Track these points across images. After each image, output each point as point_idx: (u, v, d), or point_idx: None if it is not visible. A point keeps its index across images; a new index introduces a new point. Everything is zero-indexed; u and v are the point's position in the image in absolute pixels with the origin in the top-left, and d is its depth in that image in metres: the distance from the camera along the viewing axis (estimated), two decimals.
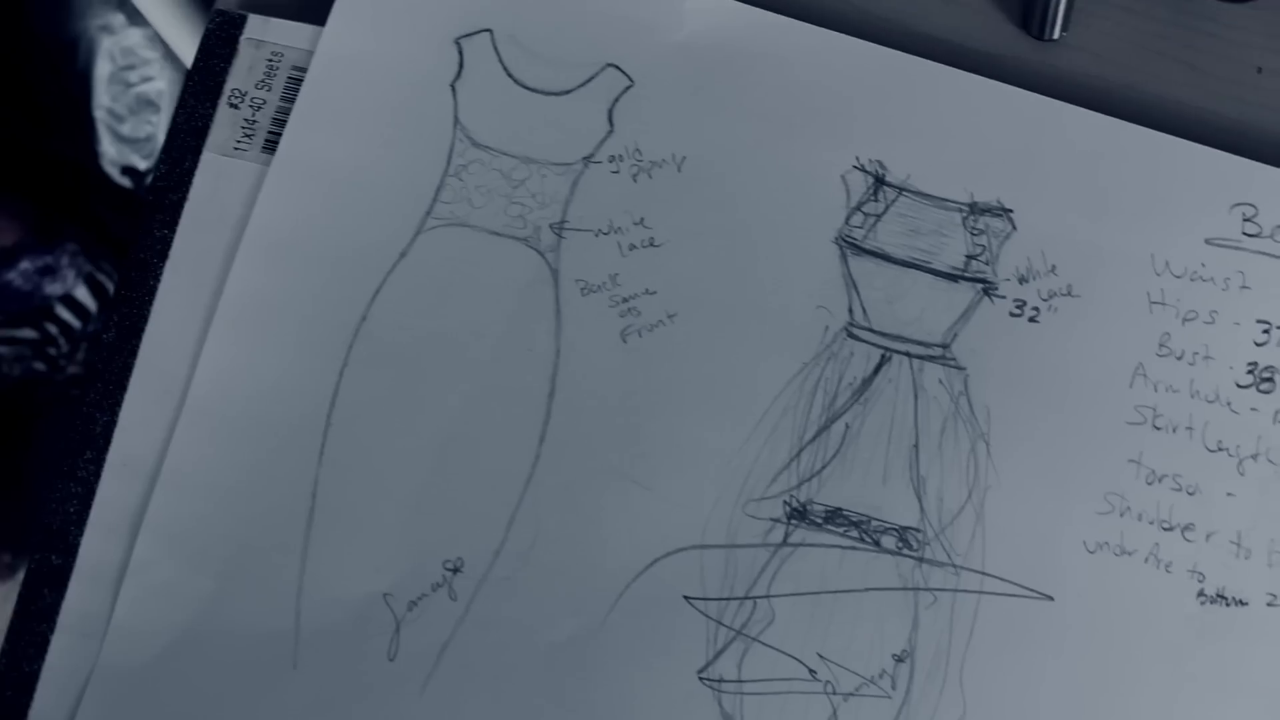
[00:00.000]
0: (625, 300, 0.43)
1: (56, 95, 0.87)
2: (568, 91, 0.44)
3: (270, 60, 0.43)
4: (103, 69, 0.88)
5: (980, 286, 0.43)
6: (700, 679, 0.41)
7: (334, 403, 0.42)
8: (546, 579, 0.41)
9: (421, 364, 0.42)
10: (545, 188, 0.43)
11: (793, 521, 0.42)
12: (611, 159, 0.43)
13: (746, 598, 0.42)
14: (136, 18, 0.84)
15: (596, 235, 0.43)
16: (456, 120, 0.43)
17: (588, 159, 0.43)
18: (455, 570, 0.41)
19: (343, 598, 0.41)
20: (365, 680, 0.41)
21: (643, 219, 0.43)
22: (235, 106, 0.43)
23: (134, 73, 0.87)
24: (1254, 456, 0.44)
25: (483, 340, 0.42)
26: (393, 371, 0.42)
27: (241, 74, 0.43)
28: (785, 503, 0.42)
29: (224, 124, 0.43)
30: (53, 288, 0.86)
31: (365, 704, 0.41)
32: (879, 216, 0.44)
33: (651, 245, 0.43)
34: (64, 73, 0.87)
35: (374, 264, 0.42)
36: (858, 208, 0.44)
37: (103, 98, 0.87)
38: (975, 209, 0.44)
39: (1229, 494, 0.44)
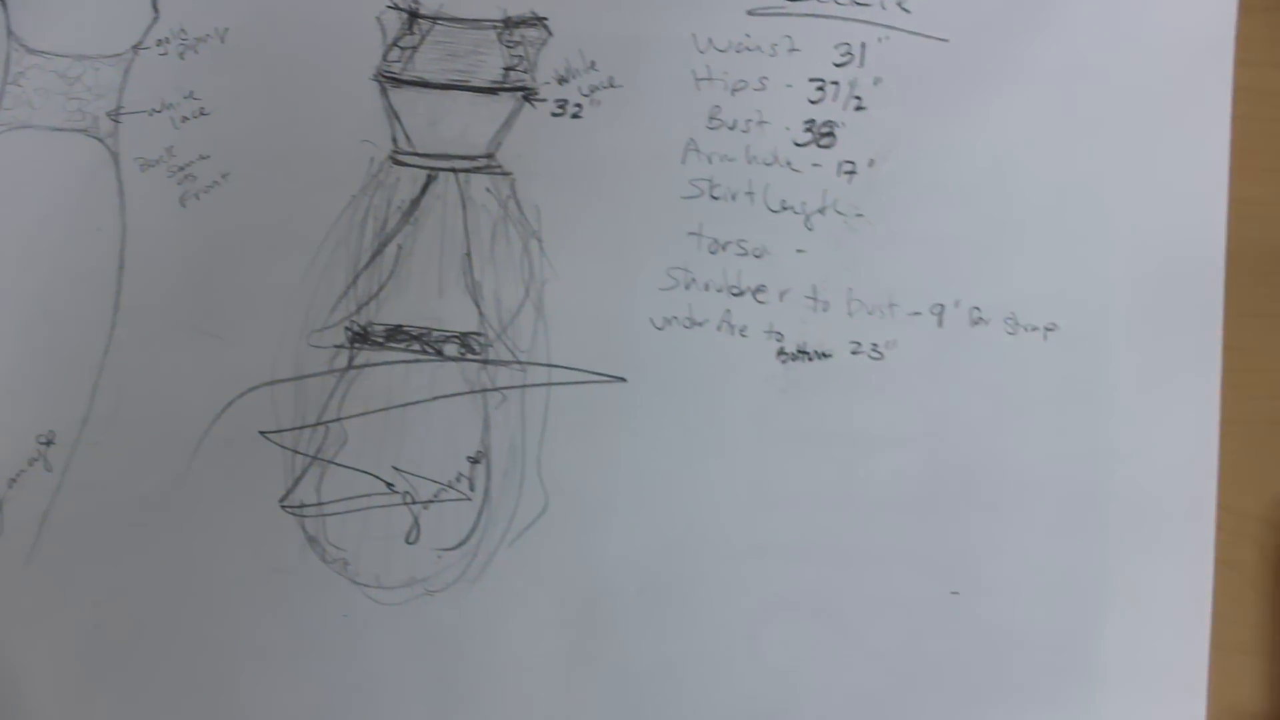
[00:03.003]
0: (181, 169, 0.54)
1: None
2: None
3: None
4: None
5: (520, 94, 0.54)
6: (282, 507, 0.51)
7: None
8: (132, 437, 0.52)
9: (0, 259, 0.54)
10: (99, 80, 0.55)
11: (356, 345, 0.52)
12: (159, 42, 0.55)
13: (319, 424, 0.51)
14: None
15: (150, 114, 0.54)
16: (10, 32, 0.55)
17: (136, 46, 0.55)
18: (48, 443, 0.52)
19: None
20: None
21: (192, 92, 0.54)
22: None
23: None
24: (821, 210, 0.52)
25: (53, 228, 0.53)
26: None
27: None
28: (346, 328, 0.52)
29: None
30: None
31: None
32: (415, 48, 0.54)
33: (202, 115, 0.54)
34: None
35: None
36: (394, 44, 0.54)
37: None
38: (509, 23, 0.54)
39: (799, 250, 0.52)
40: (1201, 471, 0.49)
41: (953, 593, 0.48)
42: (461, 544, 0.48)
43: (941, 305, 0.49)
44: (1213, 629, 0.48)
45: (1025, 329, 0.49)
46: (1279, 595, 0.50)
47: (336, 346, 0.50)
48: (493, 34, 0.52)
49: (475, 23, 0.52)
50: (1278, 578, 0.50)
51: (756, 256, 0.50)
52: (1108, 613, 0.48)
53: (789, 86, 0.51)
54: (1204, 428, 0.49)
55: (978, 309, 0.49)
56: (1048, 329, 0.49)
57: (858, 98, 0.51)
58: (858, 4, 0.51)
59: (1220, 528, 0.49)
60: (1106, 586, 0.48)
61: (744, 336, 0.49)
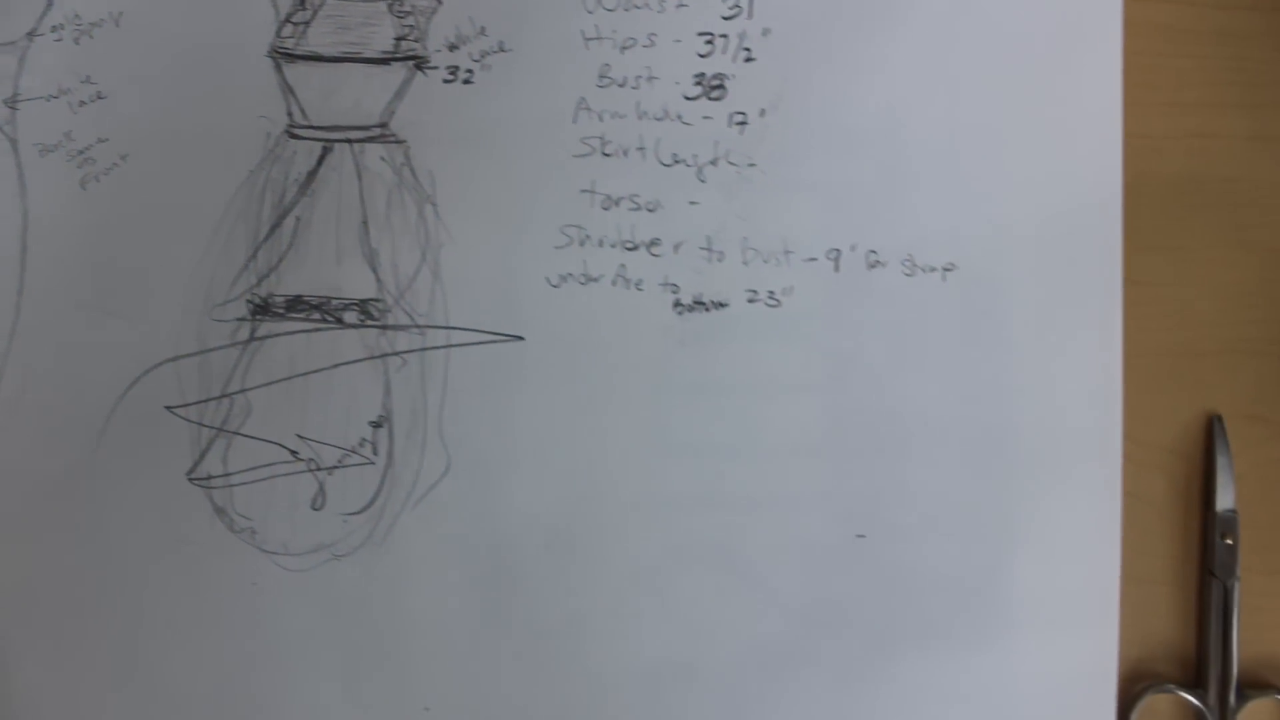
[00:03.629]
0: (80, 153, 0.55)
1: None
2: None
3: None
4: None
5: (412, 63, 0.55)
6: (190, 480, 0.53)
7: None
8: (39, 419, 0.53)
9: None
10: None
11: (257, 316, 0.54)
12: (54, 29, 0.57)
13: (223, 396, 0.53)
14: None
15: (48, 100, 0.56)
16: None
17: (31, 34, 0.57)
18: None
19: None
20: None
21: (88, 76, 0.56)
22: None
23: None
24: (713, 162, 0.54)
25: None
26: None
27: None
28: (248, 301, 0.54)
29: None
30: None
31: None
32: (308, 23, 0.56)
33: (99, 98, 0.56)
34: None
35: None
36: (287, 19, 0.56)
37: None
38: None
39: (692, 202, 0.53)
40: (1107, 405, 0.50)
41: (858, 536, 0.50)
42: (366, 508, 0.50)
43: (838, 250, 0.51)
44: (1124, 560, 0.50)
45: (923, 270, 0.51)
46: (1189, 525, 0.51)
47: (238, 319, 0.52)
48: (383, 5, 0.54)
49: None
50: (1187, 508, 0.51)
51: (650, 211, 0.51)
52: (1016, 549, 0.49)
53: (678, 41, 0.52)
54: (1107, 362, 0.50)
55: (874, 252, 0.51)
56: (946, 269, 0.51)
57: (747, 49, 0.52)
58: None
59: (1129, 460, 0.50)
60: (1014, 523, 0.49)
61: (640, 290, 0.51)
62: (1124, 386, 0.50)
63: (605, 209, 0.51)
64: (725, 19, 0.52)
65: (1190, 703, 0.49)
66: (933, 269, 0.51)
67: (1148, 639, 0.51)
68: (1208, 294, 0.52)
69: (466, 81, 0.52)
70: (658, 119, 0.52)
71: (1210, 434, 0.51)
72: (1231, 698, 0.49)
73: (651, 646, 0.49)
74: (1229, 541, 0.50)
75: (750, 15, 0.52)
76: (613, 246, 0.51)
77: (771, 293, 0.50)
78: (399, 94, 0.53)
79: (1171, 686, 0.49)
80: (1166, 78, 0.53)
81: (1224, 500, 0.50)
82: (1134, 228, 0.52)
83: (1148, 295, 0.52)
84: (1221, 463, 0.51)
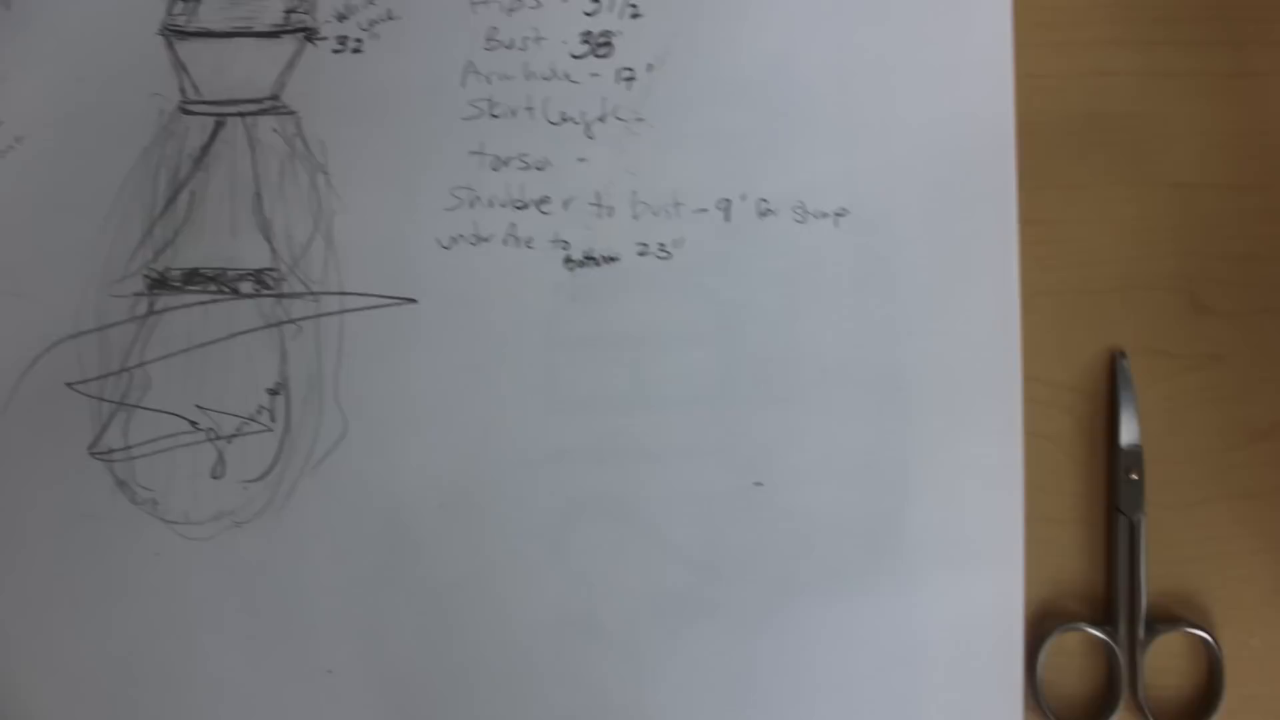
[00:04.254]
0: None
1: None
2: None
3: None
4: None
5: (302, 35, 0.57)
6: (91, 454, 0.54)
7: None
8: None
9: None
10: None
11: (154, 291, 0.55)
12: None
13: (122, 370, 0.55)
14: None
15: None
16: None
17: None
18: None
19: None
20: None
21: None
22: None
23: None
24: (601, 119, 0.55)
25: None
26: None
27: None
28: (145, 276, 0.55)
29: None
30: None
31: None
32: (198, 0, 0.58)
33: None
34: None
35: None
36: None
37: None
38: None
39: (581, 159, 0.54)
40: (1005, 345, 0.51)
41: (756, 484, 0.50)
42: (265, 474, 0.51)
43: (728, 200, 0.52)
44: (1030, 499, 0.50)
45: (815, 216, 0.52)
46: (1094, 462, 0.52)
47: (136, 294, 0.53)
48: None
49: None
50: (1092, 445, 0.52)
51: (539, 169, 0.52)
52: (918, 492, 0.50)
53: (565, 1, 0.54)
54: (1004, 301, 0.51)
55: (765, 200, 0.52)
56: (838, 214, 0.52)
57: (633, 5, 0.54)
58: None
59: (1033, 399, 0.51)
60: (915, 466, 0.50)
61: (530, 248, 0.52)
62: (1025, 325, 0.51)
63: (495, 169, 0.52)
64: None
65: (1100, 639, 0.50)
66: (824, 215, 0.51)
67: (1056, 577, 0.51)
68: (1106, 230, 0.53)
69: (356, 50, 0.54)
70: (545, 79, 0.53)
71: (1113, 370, 0.52)
72: (1141, 632, 0.50)
73: (552, 602, 0.50)
74: (1134, 477, 0.50)
75: None
76: (503, 206, 0.52)
77: (662, 245, 0.51)
78: (290, 66, 0.54)
79: (1080, 624, 0.50)
80: (1060, 16, 0.54)
81: (1128, 436, 0.51)
82: (1031, 167, 0.52)
83: (1047, 234, 0.53)
84: (1125, 398, 0.51)
